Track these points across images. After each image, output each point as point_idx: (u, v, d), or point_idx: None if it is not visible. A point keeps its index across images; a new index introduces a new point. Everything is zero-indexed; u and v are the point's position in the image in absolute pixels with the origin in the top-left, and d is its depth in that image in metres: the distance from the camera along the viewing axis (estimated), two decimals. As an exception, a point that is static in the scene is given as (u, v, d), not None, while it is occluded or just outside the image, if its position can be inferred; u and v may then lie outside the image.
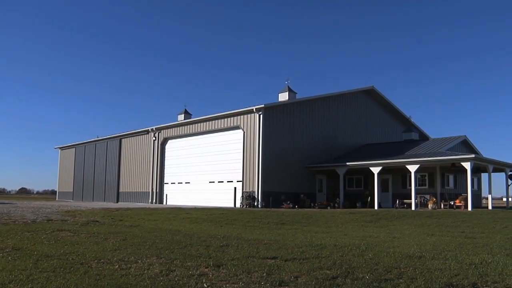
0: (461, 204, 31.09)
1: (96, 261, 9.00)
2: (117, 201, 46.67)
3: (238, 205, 33.02)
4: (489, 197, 32.49)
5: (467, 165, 28.79)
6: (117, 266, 8.47)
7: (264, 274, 7.86)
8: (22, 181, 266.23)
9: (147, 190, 43.01)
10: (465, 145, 38.27)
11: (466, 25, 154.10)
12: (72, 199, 55.36)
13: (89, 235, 13.63)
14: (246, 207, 31.65)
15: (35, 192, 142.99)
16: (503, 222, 21.10)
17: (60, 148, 62.34)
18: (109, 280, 7.27)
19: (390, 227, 19.67)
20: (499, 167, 33.92)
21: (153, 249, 10.64)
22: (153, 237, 13.21)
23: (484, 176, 40.09)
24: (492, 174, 32.89)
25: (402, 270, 8.39)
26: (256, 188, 32.36)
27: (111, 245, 11.29)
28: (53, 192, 78.41)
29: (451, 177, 35.70)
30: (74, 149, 58.22)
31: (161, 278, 7.46)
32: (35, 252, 9.90)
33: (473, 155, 29.50)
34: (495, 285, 7.35)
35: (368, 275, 7.84)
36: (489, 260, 9.60)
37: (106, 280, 7.27)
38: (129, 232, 14.60)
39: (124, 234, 14.04)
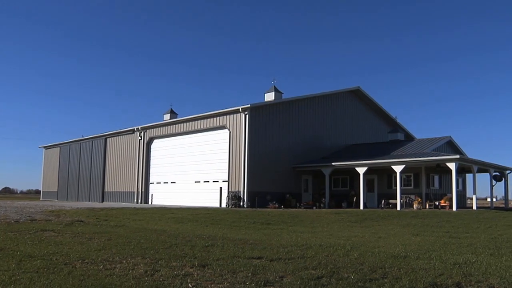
0: (446, 204, 31.32)
1: (80, 261, 8.93)
2: (102, 201, 46.39)
3: (224, 205, 32.96)
4: (474, 197, 32.76)
5: (452, 166, 29.00)
6: (101, 266, 8.41)
7: (249, 274, 7.85)
8: (6, 180, 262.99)
9: (132, 190, 42.79)
10: (450, 146, 38.56)
11: (452, 26, 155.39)
12: (57, 199, 54.90)
13: (74, 235, 13.52)
14: (231, 207, 31.60)
15: (18, 192, 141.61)
16: (487, 222, 21.31)
17: (44, 147, 61.77)
18: (93, 280, 7.22)
19: (376, 227, 19.76)
20: (483, 167, 34.22)
21: (138, 249, 10.59)
22: (138, 237, 13.14)
23: (468, 177, 40.42)
24: (476, 174, 33.17)
25: (387, 270, 8.42)
26: (242, 188, 32.33)
27: (96, 245, 11.21)
28: (37, 192, 77.67)
29: (436, 178, 35.93)
30: (58, 148, 57.74)
31: (146, 278, 7.42)
32: (18, 253, 9.80)
33: (458, 156, 29.72)
34: (479, 284, 7.41)
35: (353, 275, 7.86)
36: (473, 260, 9.68)
37: (91, 280, 7.21)
38: (114, 232, 14.51)
39: (109, 234, 13.95)
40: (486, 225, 20.14)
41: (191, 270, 8.21)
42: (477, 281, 7.61)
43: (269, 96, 38.97)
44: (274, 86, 39.28)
